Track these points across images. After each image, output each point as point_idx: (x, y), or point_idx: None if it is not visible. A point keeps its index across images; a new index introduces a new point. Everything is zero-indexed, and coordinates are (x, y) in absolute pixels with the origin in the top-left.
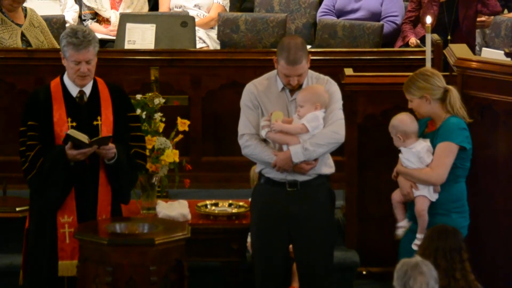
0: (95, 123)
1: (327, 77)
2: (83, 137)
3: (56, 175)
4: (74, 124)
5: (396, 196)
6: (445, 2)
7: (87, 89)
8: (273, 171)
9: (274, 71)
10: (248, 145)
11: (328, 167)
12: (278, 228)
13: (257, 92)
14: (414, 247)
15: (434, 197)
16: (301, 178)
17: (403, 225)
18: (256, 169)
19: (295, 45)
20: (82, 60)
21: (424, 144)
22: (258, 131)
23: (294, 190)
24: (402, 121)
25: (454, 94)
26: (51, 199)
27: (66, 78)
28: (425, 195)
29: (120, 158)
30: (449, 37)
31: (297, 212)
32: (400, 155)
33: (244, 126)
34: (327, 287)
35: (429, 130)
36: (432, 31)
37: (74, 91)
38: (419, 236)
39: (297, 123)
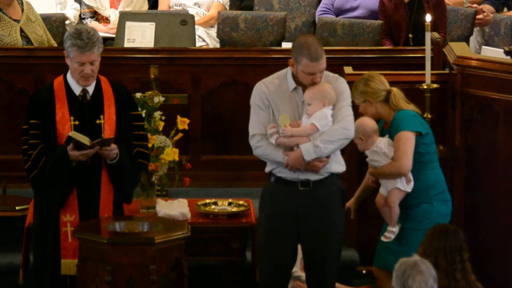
0: (97, 121)
1: (336, 75)
2: (85, 139)
3: (59, 175)
4: (76, 123)
5: (380, 199)
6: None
7: (90, 88)
8: (285, 170)
9: (284, 71)
10: (260, 146)
11: (339, 165)
12: (288, 227)
13: (268, 91)
14: (384, 239)
15: (408, 187)
16: (313, 177)
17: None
18: (266, 169)
19: (313, 41)
20: (87, 61)
21: (384, 140)
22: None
23: (306, 190)
24: (361, 123)
25: (396, 94)
26: (53, 198)
27: (69, 77)
28: (398, 187)
29: (122, 158)
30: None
31: (308, 212)
32: (367, 159)
33: (255, 127)
34: (333, 287)
35: (386, 127)
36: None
37: (77, 89)
38: (390, 228)
39: (306, 123)
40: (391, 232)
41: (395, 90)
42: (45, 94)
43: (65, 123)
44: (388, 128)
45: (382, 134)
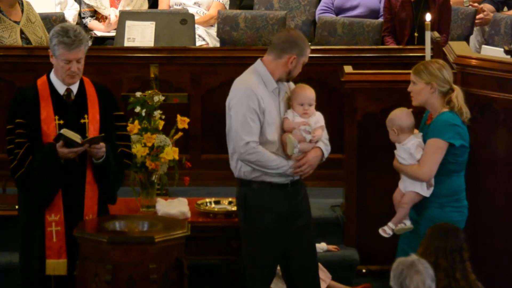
0: (82, 121)
1: None
2: (76, 137)
3: (46, 173)
4: (61, 122)
5: (397, 195)
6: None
7: (74, 88)
8: (275, 175)
9: (255, 71)
10: (257, 152)
11: None
12: (282, 228)
13: (262, 95)
14: (381, 232)
15: (427, 192)
16: (297, 177)
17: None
18: (245, 175)
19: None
20: (73, 59)
21: (414, 140)
22: (258, 138)
23: (294, 189)
24: (399, 116)
25: (458, 94)
26: (41, 197)
27: (53, 76)
28: (417, 191)
29: (109, 157)
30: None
31: (296, 209)
32: (395, 151)
33: (249, 133)
34: (318, 281)
35: (428, 122)
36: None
37: (61, 89)
38: (390, 225)
39: (298, 121)
40: (390, 229)
41: (457, 90)
42: (29, 93)
43: (50, 123)
44: (428, 125)
45: (422, 130)
